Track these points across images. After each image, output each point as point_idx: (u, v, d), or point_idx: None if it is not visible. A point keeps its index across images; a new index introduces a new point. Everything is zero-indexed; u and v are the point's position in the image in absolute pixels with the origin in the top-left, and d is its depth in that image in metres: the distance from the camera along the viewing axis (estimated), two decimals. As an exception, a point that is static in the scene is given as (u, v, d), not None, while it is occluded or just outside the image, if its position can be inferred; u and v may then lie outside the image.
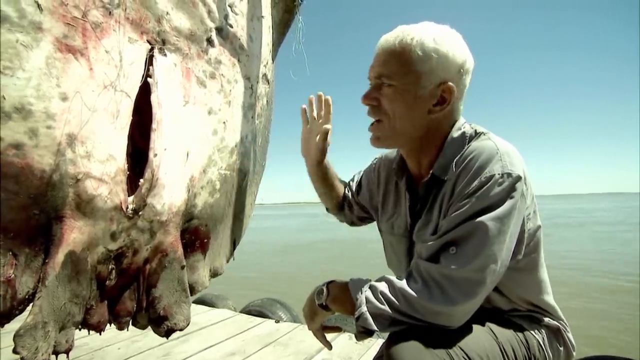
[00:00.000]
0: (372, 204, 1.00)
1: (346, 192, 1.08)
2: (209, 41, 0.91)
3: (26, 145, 0.59)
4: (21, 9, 0.58)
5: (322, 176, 1.03)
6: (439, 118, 0.76)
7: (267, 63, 1.18)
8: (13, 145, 0.58)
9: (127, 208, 0.73)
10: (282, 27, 1.31)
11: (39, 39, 0.60)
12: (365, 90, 0.79)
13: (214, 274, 1.03)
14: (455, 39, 0.74)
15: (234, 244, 1.13)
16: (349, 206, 1.07)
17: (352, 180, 1.08)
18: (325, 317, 0.82)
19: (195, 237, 0.93)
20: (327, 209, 1.12)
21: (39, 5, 0.59)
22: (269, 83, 1.22)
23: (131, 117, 0.74)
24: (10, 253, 0.60)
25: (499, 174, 0.66)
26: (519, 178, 0.66)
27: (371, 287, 0.70)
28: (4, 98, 0.56)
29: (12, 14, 0.57)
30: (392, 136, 0.78)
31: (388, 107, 0.75)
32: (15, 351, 0.59)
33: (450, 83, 0.73)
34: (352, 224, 1.11)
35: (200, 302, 2.74)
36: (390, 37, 0.75)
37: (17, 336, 0.59)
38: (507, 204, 0.65)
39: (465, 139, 0.75)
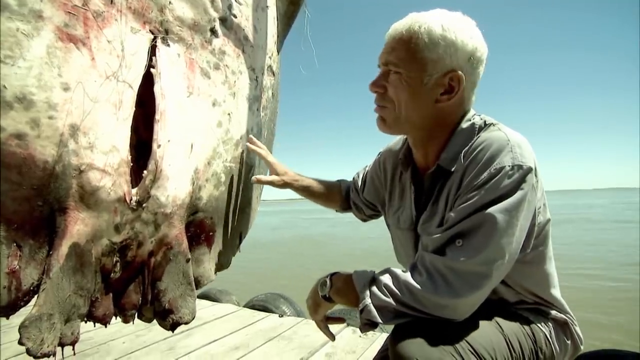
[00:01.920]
0: (379, 199, 0.98)
1: (351, 193, 1.08)
2: (213, 31, 0.90)
3: (28, 136, 0.59)
4: (21, -4, 0.57)
5: (303, 190, 1.07)
6: (448, 108, 0.73)
7: (272, 54, 1.17)
8: (15, 135, 0.57)
9: (130, 200, 0.73)
10: (287, 18, 1.29)
11: (40, 28, 0.59)
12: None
13: (220, 268, 1.02)
14: (466, 26, 0.71)
15: (240, 237, 1.12)
16: (356, 206, 1.07)
17: (358, 176, 1.08)
18: (328, 309, 0.81)
19: (200, 230, 0.92)
20: (335, 210, 1.14)
21: (39, -7, 0.58)
22: (274, 75, 1.21)
23: (134, 108, 0.73)
24: (15, 244, 0.59)
25: (509, 166, 0.64)
26: (529, 170, 0.64)
27: (375, 280, 0.69)
28: (5, 87, 0.56)
29: (12, 2, 0.56)
30: (397, 123, 0.76)
31: (393, 95, 0.73)
32: (20, 342, 0.59)
33: (459, 72, 0.70)
34: (363, 220, 1.11)
35: (204, 296, 2.77)
36: (399, 25, 0.73)
37: (22, 327, 0.59)
38: (517, 195, 0.63)
39: (475, 130, 0.73)
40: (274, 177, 1.03)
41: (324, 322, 0.84)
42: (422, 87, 0.71)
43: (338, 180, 1.13)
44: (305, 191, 1.07)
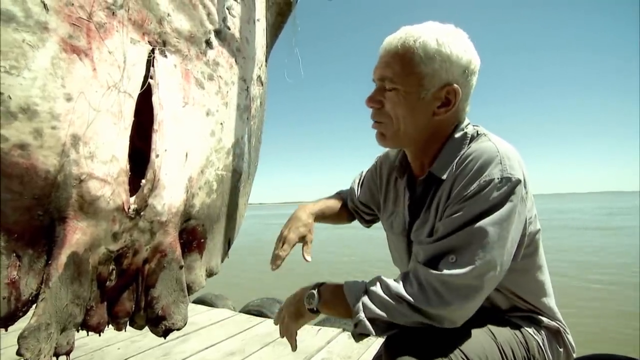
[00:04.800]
0: (375, 203, 1.00)
1: (349, 202, 1.08)
2: (208, 43, 0.92)
3: (31, 146, 0.59)
4: (27, 8, 0.57)
5: (326, 220, 1.05)
6: (444, 120, 0.74)
7: (261, 65, 1.20)
8: (18, 145, 0.57)
9: (129, 209, 0.74)
10: (274, 29, 1.33)
11: (45, 39, 0.59)
12: (363, 91, 0.78)
13: (210, 274, 1.04)
14: (459, 39, 0.72)
15: (229, 243, 1.13)
16: (356, 212, 1.07)
17: (354, 183, 1.08)
18: (311, 319, 0.80)
19: (192, 238, 0.94)
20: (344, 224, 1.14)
21: (45, 5, 0.59)
22: (262, 85, 1.24)
23: (133, 118, 0.75)
24: (14, 254, 0.59)
25: (498, 178, 0.64)
26: (518, 182, 0.65)
27: (368, 292, 0.69)
28: (10, 98, 0.56)
29: (19, 13, 0.56)
30: (396, 137, 0.76)
31: (391, 110, 0.74)
32: (19, 353, 0.58)
33: (455, 85, 0.71)
34: (367, 226, 1.12)
35: (200, 302, 2.74)
36: (394, 39, 0.73)
37: (21, 338, 0.58)
38: (506, 207, 0.64)
39: (466, 140, 0.74)
40: (308, 240, 0.92)
41: (296, 332, 0.82)
42: (420, 101, 0.72)
43: (338, 193, 1.13)
44: (326, 222, 1.06)
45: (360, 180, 1.07)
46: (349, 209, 1.09)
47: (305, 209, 0.97)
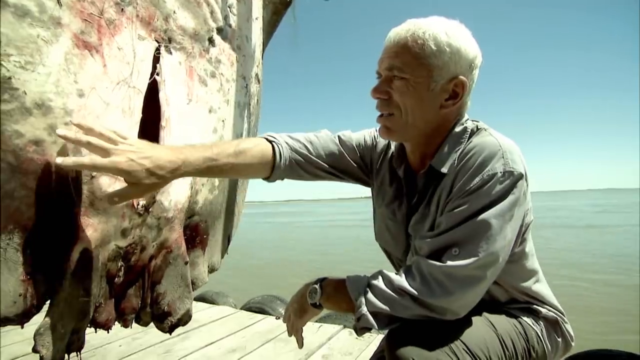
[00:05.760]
0: (365, 171, 0.93)
1: (310, 153, 0.87)
2: (211, 41, 0.93)
3: (45, 142, 0.58)
4: (42, 3, 0.57)
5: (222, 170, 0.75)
6: (450, 113, 0.75)
7: (259, 63, 1.21)
8: (33, 141, 0.57)
9: (137, 205, 0.74)
10: (270, 28, 1.34)
11: (59, 35, 0.59)
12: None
13: (212, 269, 1.05)
14: (466, 34, 0.72)
15: (229, 239, 1.15)
16: (318, 167, 0.88)
17: (341, 138, 0.91)
18: (315, 315, 0.80)
19: (195, 233, 0.94)
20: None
21: (58, 1, 0.59)
22: (259, 82, 1.25)
23: (141, 114, 0.75)
24: (28, 251, 0.59)
25: (500, 172, 0.65)
26: (520, 176, 0.66)
27: (370, 286, 0.69)
28: (25, 93, 0.55)
29: (33, 8, 0.56)
30: (403, 129, 0.76)
31: (399, 101, 0.73)
32: (35, 350, 0.58)
33: (462, 77, 0.72)
34: (310, 180, 0.91)
35: (201, 299, 2.72)
36: (402, 30, 0.72)
37: (37, 335, 0.58)
38: (509, 200, 0.65)
39: (466, 134, 0.75)
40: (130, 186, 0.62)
41: (301, 330, 0.83)
42: (428, 93, 0.72)
43: (268, 141, 0.83)
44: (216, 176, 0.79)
45: (350, 143, 0.91)
46: (285, 158, 0.83)
47: (176, 149, 0.68)
